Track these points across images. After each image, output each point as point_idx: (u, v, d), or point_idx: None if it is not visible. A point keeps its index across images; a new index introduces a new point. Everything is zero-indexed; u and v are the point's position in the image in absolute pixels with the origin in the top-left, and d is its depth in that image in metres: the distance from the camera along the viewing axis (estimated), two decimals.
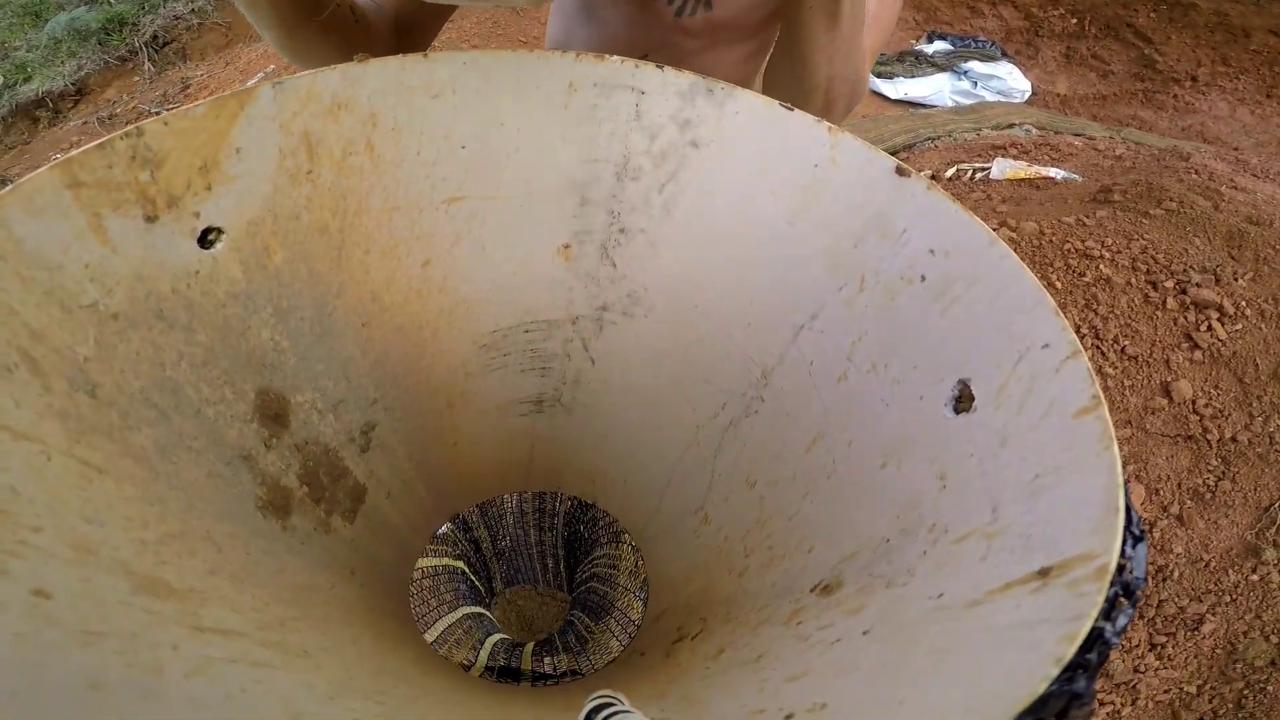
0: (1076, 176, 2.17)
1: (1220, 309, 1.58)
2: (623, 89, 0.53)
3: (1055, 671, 0.30)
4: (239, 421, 0.49)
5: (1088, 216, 1.85)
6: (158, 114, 0.43)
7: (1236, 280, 1.62)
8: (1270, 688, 1.20)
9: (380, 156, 0.51)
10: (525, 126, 0.54)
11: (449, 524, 0.71)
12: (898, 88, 3.76)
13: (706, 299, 0.59)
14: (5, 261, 0.38)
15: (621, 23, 0.79)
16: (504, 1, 0.47)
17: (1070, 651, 0.31)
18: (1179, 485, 1.45)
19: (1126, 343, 1.59)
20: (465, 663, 0.62)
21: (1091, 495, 0.36)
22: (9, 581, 0.33)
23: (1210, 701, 1.22)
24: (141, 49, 3.74)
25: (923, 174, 0.56)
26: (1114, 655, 1.29)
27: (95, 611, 0.35)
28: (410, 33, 0.69)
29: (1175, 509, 1.43)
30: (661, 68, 0.53)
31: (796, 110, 0.53)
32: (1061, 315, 0.41)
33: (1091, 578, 0.33)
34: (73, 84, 3.65)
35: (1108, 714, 1.24)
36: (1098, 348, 1.60)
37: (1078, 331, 1.62)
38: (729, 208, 0.56)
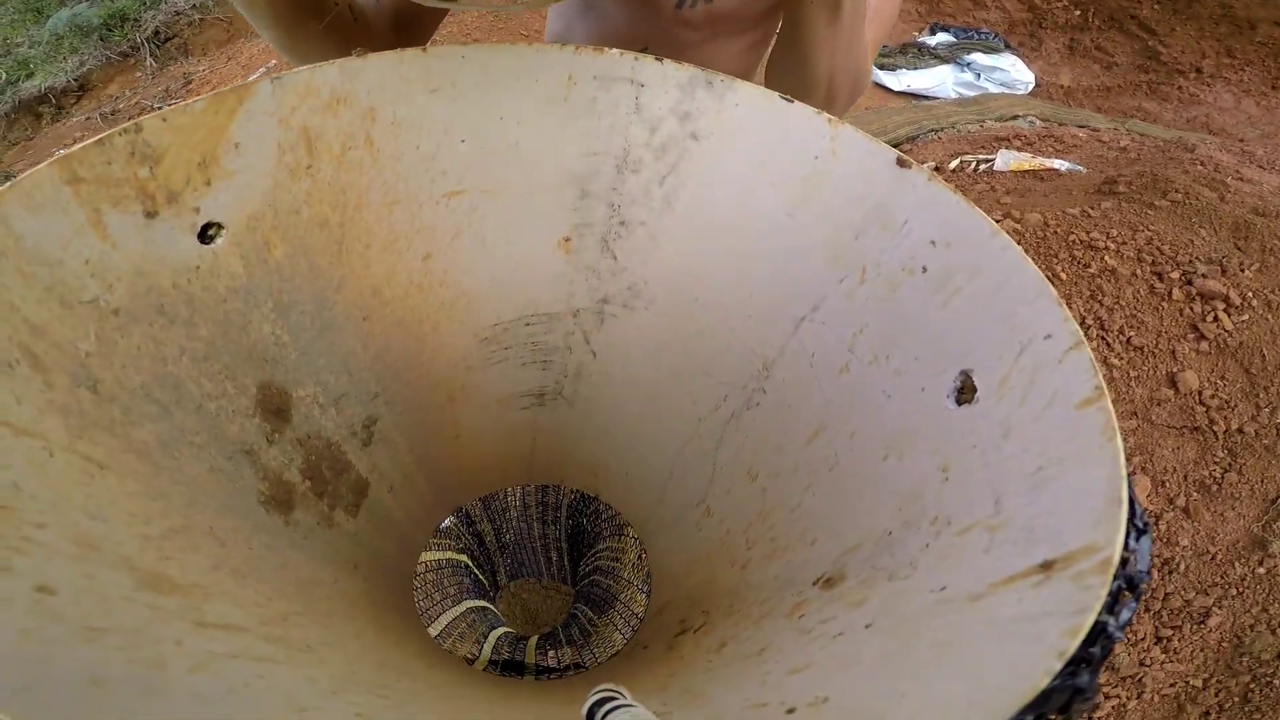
0: (1081, 168, 2.16)
1: (1226, 300, 1.57)
2: (622, 82, 0.53)
3: (1058, 665, 0.30)
4: (241, 416, 0.49)
5: (1092, 208, 1.84)
6: (160, 109, 0.43)
7: (1243, 271, 1.61)
8: (1277, 682, 1.19)
9: (380, 151, 0.51)
10: (525, 120, 0.53)
11: (452, 517, 0.71)
12: (901, 80, 3.74)
13: (707, 291, 0.58)
14: (6, 258, 0.38)
15: (621, 15, 0.78)
16: (501, 6, 0.47)
17: (1073, 645, 0.31)
18: (1185, 477, 1.45)
19: (1132, 334, 1.59)
20: (469, 657, 0.62)
21: (1095, 487, 0.36)
22: (13, 578, 0.33)
23: (1216, 695, 1.22)
24: (143, 45, 3.74)
25: (925, 165, 0.56)
26: (1119, 648, 1.29)
27: (98, 607, 0.35)
28: (409, 29, 0.69)
29: (1181, 501, 1.42)
30: (661, 60, 0.53)
31: (796, 102, 0.52)
32: (1064, 306, 0.41)
33: (1095, 571, 0.33)
34: (75, 80, 3.65)
35: (1113, 707, 1.24)
36: (1103, 339, 1.59)
37: (1083, 323, 1.62)
38: (729, 200, 0.55)
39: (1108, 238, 1.73)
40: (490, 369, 0.64)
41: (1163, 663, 1.27)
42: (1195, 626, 1.29)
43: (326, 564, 0.53)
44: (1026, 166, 2.20)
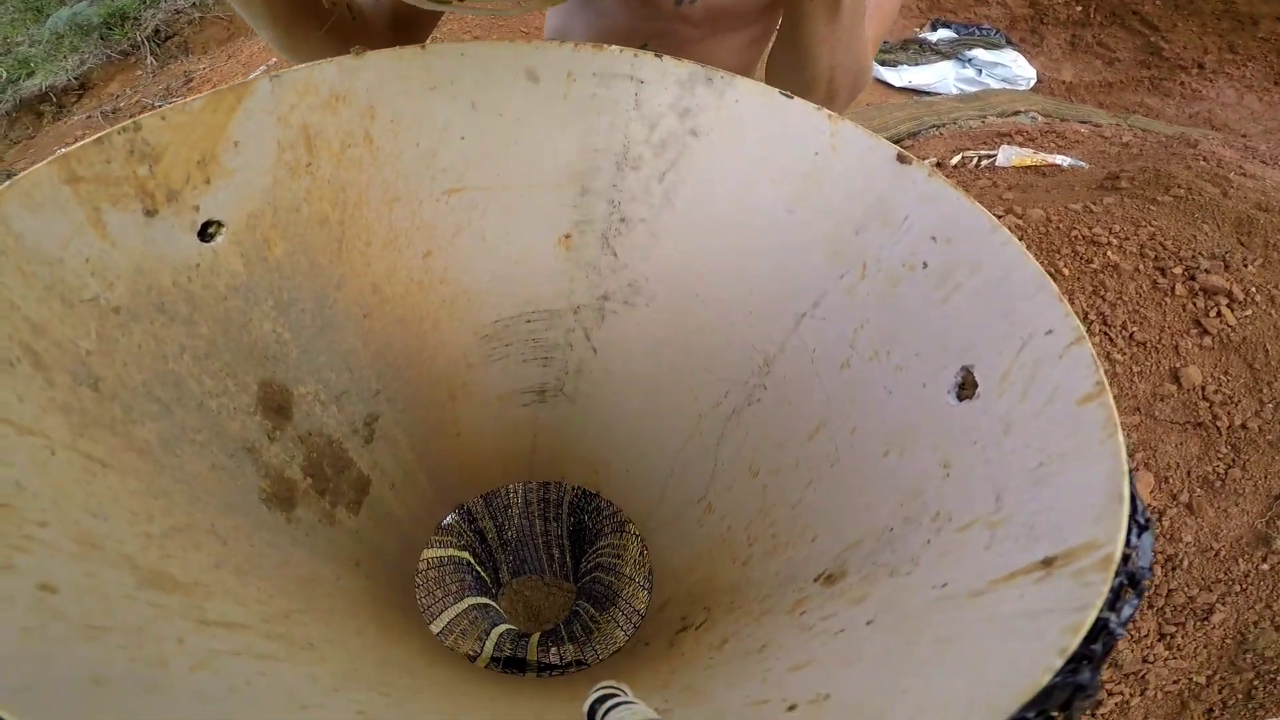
0: (1083, 164, 2.15)
1: (1230, 295, 1.57)
2: (622, 78, 0.53)
3: (1059, 662, 0.30)
4: (242, 414, 0.49)
5: (1095, 203, 1.83)
6: (161, 108, 0.43)
7: (1246, 266, 1.61)
8: None
9: (379, 148, 0.51)
10: (524, 117, 0.53)
11: (454, 514, 0.71)
12: (902, 76, 3.73)
13: (707, 288, 0.58)
14: (6, 256, 0.38)
15: (621, 12, 0.78)
16: (498, 10, 0.47)
17: (1074, 642, 0.30)
18: (1188, 473, 1.44)
19: (1135, 329, 1.58)
20: (471, 654, 0.62)
21: (1096, 483, 0.35)
22: (15, 576, 0.33)
23: (1220, 692, 1.22)
24: (143, 43, 3.74)
25: (926, 161, 0.56)
26: (1123, 645, 1.28)
27: (100, 606, 0.35)
28: (408, 27, 0.69)
29: (1185, 497, 1.42)
30: (660, 56, 0.53)
31: (796, 98, 0.52)
32: (1064, 301, 0.41)
33: (1096, 567, 0.33)
34: (75, 78, 3.65)
35: (1116, 704, 1.24)
36: (1106, 334, 1.59)
37: (1085, 318, 1.61)
38: (729, 196, 0.55)
39: (1110, 233, 1.72)
40: (491, 366, 0.64)
41: (1166, 659, 1.27)
42: (1199, 623, 1.29)
43: (328, 561, 0.53)
44: (1028, 162, 2.19)
